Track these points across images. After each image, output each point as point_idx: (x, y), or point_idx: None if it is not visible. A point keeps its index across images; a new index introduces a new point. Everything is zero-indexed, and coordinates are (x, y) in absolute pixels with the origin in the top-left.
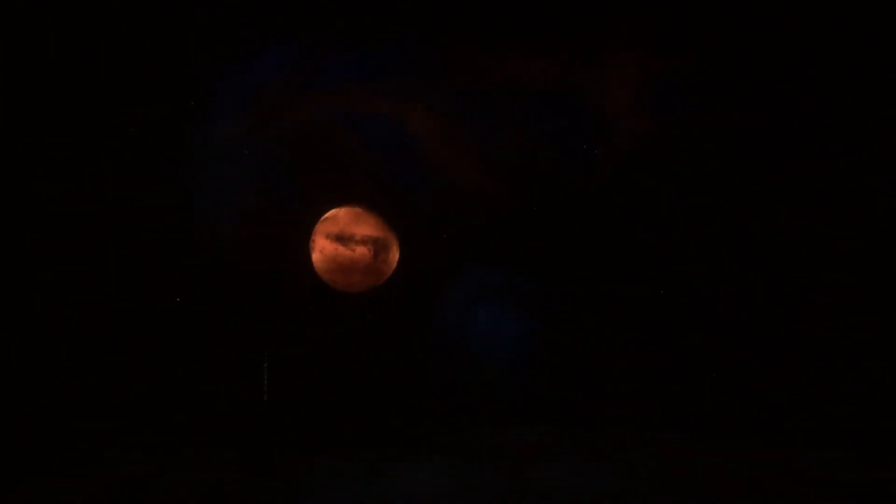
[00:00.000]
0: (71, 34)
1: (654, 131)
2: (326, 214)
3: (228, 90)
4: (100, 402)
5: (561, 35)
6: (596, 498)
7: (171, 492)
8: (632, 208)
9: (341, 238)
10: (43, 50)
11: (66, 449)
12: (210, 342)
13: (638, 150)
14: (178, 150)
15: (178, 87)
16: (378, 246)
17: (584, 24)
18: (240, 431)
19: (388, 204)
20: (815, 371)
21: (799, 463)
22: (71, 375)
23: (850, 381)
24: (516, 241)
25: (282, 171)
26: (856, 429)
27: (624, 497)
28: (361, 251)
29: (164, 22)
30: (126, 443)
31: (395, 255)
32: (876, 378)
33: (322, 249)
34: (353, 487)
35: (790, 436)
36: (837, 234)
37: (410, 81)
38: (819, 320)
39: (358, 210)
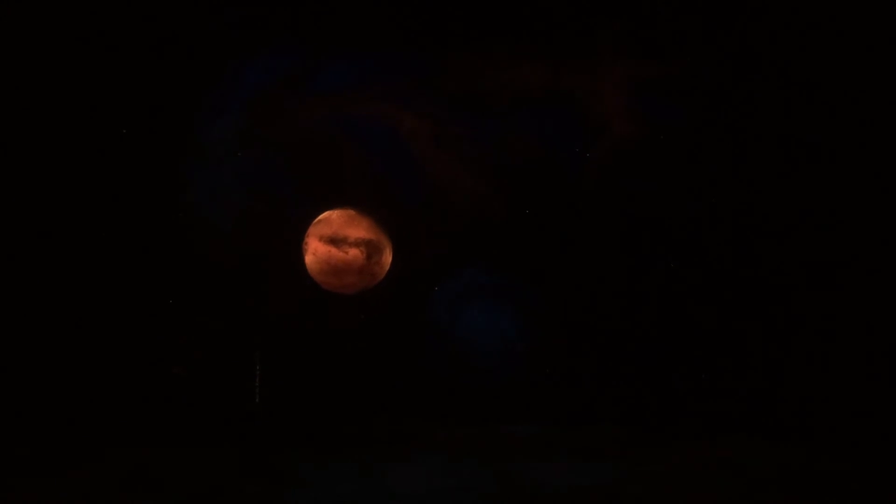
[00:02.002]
0: (69, 34)
1: (646, 135)
2: (319, 217)
3: (222, 93)
4: (95, 402)
5: (554, 40)
6: (589, 496)
7: (168, 492)
8: (624, 210)
9: (334, 240)
10: (41, 50)
11: (61, 448)
12: (203, 343)
13: (630, 153)
14: (171, 151)
15: (171, 90)
16: (371, 248)
17: (578, 29)
18: (235, 432)
19: (382, 206)
20: (812, 369)
21: (795, 461)
22: (67, 375)
23: (847, 380)
24: (508, 243)
25: (275, 174)
26: (853, 426)
27: (617, 495)
28: (354, 253)
29: (158, 24)
30: (123, 442)
31: (388, 258)
32: (873, 376)
33: (315, 251)
34: (347, 487)
35: (786, 434)
36: (832, 235)
37: (404, 85)
38: (815, 319)
39: (351, 212)
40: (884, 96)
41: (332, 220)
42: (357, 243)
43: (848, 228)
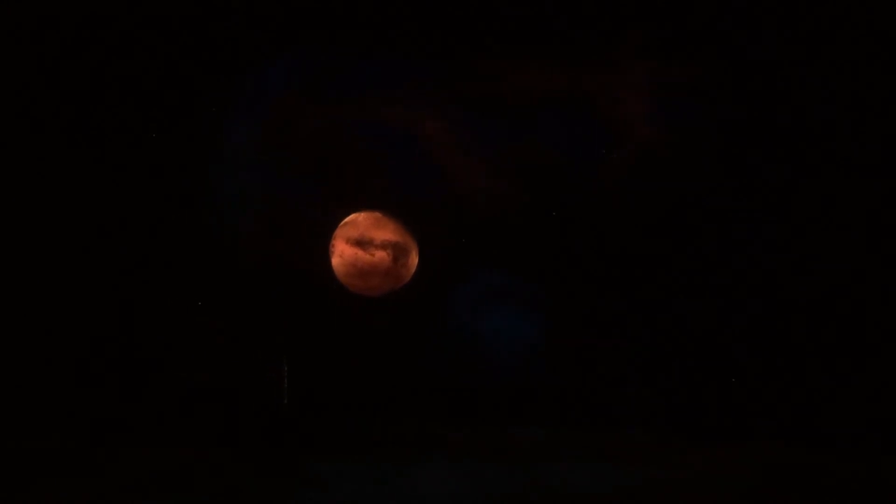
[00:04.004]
0: (95, 39)
1: (665, 137)
2: (346, 219)
3: (248, 97)
4: (119, 403)
5: (573, 43)
6: (604, 498)
7: (187, 492)
8: (642, 213)
9: (361, 242)
10: (67, 56)
11: (83, 448)
12: (230, 345)
13: (649, 155)
14: (198, 156)
15: (199, 94)
16: (397, 250)
17: (595, 32)
18: (257, 432)
19: (408, 209)
20: (825, 373)
21: (809, 465)
22: (92, 375)
23: (867, 384)
24: (529, 246)
25: (301, 177)
26: (869, 432)
27: (632, 498)
28: (381, 255)
29: (185, 29)
30: (144, 443)
31: (414, 260)
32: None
33: (342, 254)
34: (367, 488)
35: (798, 438)
36: (840, 238)
37: (428, 89)
38: (835, 322)
39: (377, 215)
40: None
41: (359, 222)
42: (383, 245)
43: (874, 234)
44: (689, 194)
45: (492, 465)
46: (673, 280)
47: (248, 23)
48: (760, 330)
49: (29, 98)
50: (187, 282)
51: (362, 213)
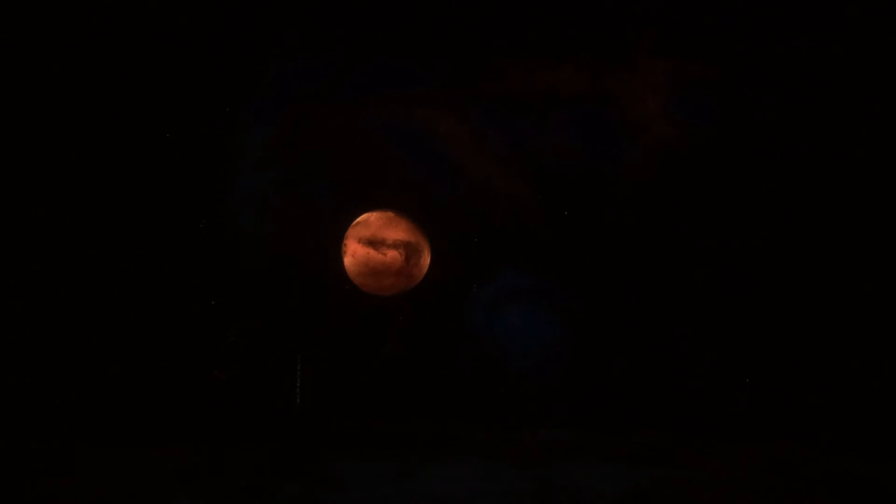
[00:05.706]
0: (111, 40)
1: (683, 138)
2: (358, 219)
3: (263, 98)
4: (132, 403)
5: (590, 43)
6: (617, 498)
7: (202, 491)
8: (660, 214)
9: (373, 242)
10: (85, 57)
11: (98, 447)
12: (244, 345)
13: (667, 156)
14: (212, 156)
15: (213, 95)
16: (409, 250)
17: (613, 31)
18: (272, 432)
19: (420, 208)
20: (833, 375)
21: (816, 466)
22: (107, 376)
23: (865, 384)
24: (545, 246)
25: (314, 177)
26: (874, 432)
27: (644, 498)
28: (393, 255)
29: (200, 29)
30: (155, 442)
31: (426, 259)
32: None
33: (354, 253)
34: (383, 488)
35: (806, 438)
36: (846, 237)
37: (442, 89)
38: (861, 326)
39: (389, 214)
40: None
41: (371, 222)
42: (395, 245)
43: (881, 234)
44: (702, 196)
45: (504, 466)
46: (683, 282)
47: (264, 25)
48: (770, 331)
49: (45, 102)
50: (200, 281)
51: (374, 213)
